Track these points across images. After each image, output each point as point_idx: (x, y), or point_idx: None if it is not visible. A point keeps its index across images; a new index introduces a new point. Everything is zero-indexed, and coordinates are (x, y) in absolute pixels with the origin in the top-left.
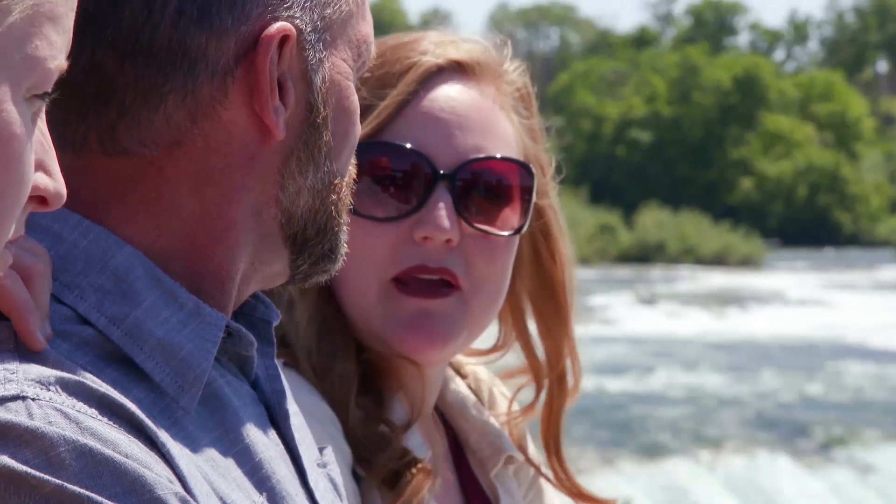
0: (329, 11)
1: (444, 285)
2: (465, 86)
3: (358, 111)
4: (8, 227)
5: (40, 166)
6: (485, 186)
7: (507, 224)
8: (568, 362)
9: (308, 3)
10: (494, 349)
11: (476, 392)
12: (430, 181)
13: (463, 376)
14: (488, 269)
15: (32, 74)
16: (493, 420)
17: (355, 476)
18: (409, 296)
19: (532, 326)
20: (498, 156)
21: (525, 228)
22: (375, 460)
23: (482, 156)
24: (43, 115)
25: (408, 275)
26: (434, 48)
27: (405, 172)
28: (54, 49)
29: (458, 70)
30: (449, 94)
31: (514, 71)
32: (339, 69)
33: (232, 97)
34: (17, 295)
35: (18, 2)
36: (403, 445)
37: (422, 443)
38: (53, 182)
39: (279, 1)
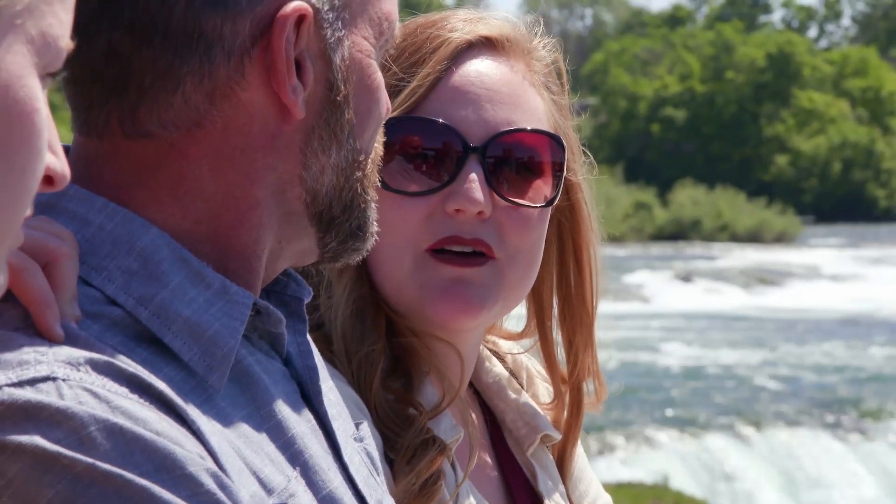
0: None
1: (479, 255)
2: (495, 61)
3: (381, 88)
4: (28, 202)
5: (48, 146)
6: (516, 159)
7: (539, 196)
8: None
9: None
10: (525, 333)
11: (514, 373)
12: (461, 155)
13: (501, 358)
14: (521, 240)
15: (47, 52)
16: (530, 400)
17: (389, 461)
18: (445, 263)
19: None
20: (528, 128)
21: (556, 200)
22: (400, 441)
23: (513, 128)
24: (45, 95)
25: (441, 245)
26: (464, 25)
27: (436, 147)
28: (64, 28)
29: (488, 46)
30: (479, 68)
31: (545, 48)
32: (359, 47)
33: (249, 78)
34: (35, 287)
35: None
36: (426, 425)
37: (454, 425)
38: (60, 162)
39: None
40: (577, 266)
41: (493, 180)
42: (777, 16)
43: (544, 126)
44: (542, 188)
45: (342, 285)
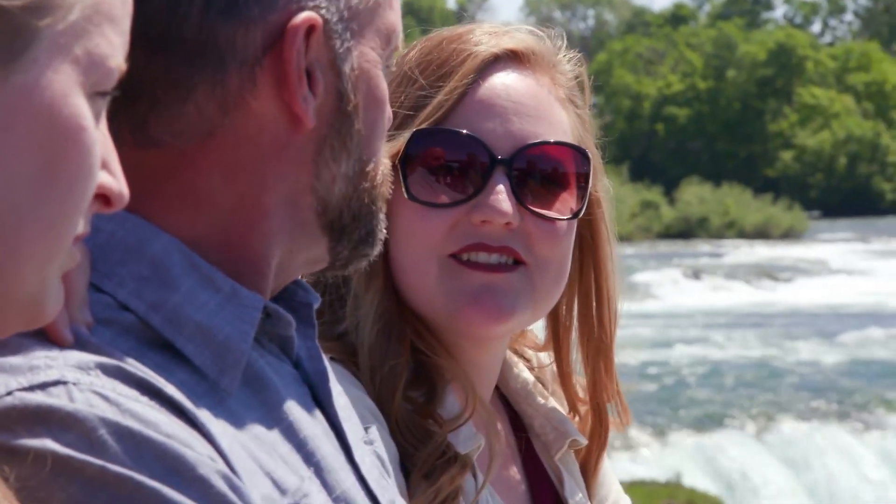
0: (355, 1)
1: (507, 265)
2: (520, 74)
3: (387, 99)
4: (78, 220)
5: (105, 165)
6: (542, 171)
7: (566, 208)
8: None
9: None
10: (547, 346)
11: (539, 378)
12: (488, 167)
13: (526, 360)
14: (550, 251)
15: (95, 71)
16: (557, 406)
17: (405, 471)
18: (473, 269)
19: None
20: (553, 140)
21: (582, 213)
22: (418, 455)
23: (539, 140)
24: (104, 116)
25: (468, 251)
26: (488, 38)
27: (462, 159)
28: (113, 48)
29: (513, 59)
30: (505, 81)
31: (569, 62)
32: (367, 58)
33: (261, 87)
34: None
35: (79, 1)
36: (446, 440)
37: (473, 433)
38: (117, 182)
39: None
40: (597, 286)
41: (519, 192)
42: (779, 12)
43: (569, 139)
44: (568, 200)
45: (369, 299)
